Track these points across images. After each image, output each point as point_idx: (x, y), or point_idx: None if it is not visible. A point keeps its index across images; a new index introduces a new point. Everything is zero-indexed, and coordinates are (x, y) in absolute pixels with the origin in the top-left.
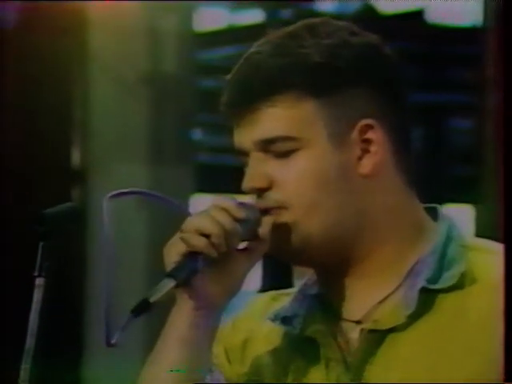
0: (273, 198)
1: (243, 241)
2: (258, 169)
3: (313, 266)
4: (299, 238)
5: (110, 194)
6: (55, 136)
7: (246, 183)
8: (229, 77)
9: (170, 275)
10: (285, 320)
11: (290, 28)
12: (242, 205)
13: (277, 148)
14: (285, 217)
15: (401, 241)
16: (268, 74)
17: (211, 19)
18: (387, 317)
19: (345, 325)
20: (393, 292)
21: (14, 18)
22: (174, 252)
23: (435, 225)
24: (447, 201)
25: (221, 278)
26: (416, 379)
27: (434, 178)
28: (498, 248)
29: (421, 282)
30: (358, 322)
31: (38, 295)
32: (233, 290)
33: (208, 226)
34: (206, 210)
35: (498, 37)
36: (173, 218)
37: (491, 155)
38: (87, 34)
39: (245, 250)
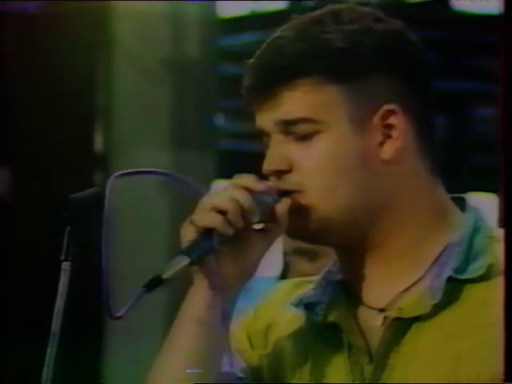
0: (292, 180)
1: (260, 222)
2: (278, 151)
3: (332, 246)
4: (316, 220)
5: (116, 174)
6: (78, 122)
7: (266, 165)
8: (251, 61)
9: (184, 253)
10: (308, 306)
11: (314, 14)
12: (261, 185)
13: (298, 130)
14: (303, 199)
15: (422, 227)
16: (290, 59)
17: (234, 5)
18: (413, 305)
19: (368, 312)
20: (418, 280)
21: (38, 3)
22: (189, 230)
23: (462, 215)
24: (470, 190)
25: (237, 258)
26: (440, 369)
27: (456, 167)
28: None
29: (447, 272)
30: (382, 310)
31: (64, 279)
32: (249, 270)
33: (224, 203)
34: (224, 188)
35: None
36: (194, 200)
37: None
38: (110, 19)
39: (261, 230)
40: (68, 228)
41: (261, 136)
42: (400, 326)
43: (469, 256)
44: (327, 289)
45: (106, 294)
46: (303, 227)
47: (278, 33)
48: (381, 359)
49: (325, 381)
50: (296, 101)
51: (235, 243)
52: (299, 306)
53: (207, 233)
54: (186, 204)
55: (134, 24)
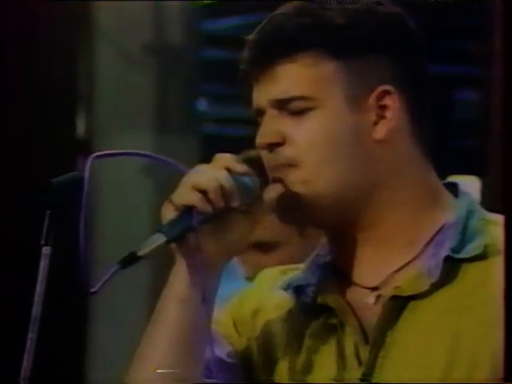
0: (285, 153)
1: (244, 204)
2: (271, 125)
3: (323, 227)
4: (309, 197)
5: (94, 154)
6: (61, 107)
7: (259, 138)
8: (251, 35)
9: (161, 231)
10: (297, 289)
11: None
12: (241, 166)
13: (292, 107)
14: (295, 175)
15: (414, 208)
16: (290, 33)
17: None
18: (410, 284)
19: (359, 291)
20: (412, 260)
21: None
22: (169, 209)
23: (455, 200)
24: (452, 173)
25: (219, 237)
26: (437, 346)
27: (438, 150)
28: None
29: (445, 251)
30: (374, 289)
31: (44, 264)
32: (231, 250)
33: (205, 182)
34: (205, 168)
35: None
36: (175, 180)
37: (497, 127)
38: (93, 5)
39: (245, 211)
40: (48, 212)
41: (245, 121)
42: (396, 304)
43: (464, 237)
44: (316, 271)
45: (83, 270)
46: (296, 205)
47: (279, 10)
48: (378, 337)
49: (318, 362)
50: (293, 76)
51: (217, 222)
52: (288, 290)
53: (187, 211)
54: (167, 186)
55: (117, 9)
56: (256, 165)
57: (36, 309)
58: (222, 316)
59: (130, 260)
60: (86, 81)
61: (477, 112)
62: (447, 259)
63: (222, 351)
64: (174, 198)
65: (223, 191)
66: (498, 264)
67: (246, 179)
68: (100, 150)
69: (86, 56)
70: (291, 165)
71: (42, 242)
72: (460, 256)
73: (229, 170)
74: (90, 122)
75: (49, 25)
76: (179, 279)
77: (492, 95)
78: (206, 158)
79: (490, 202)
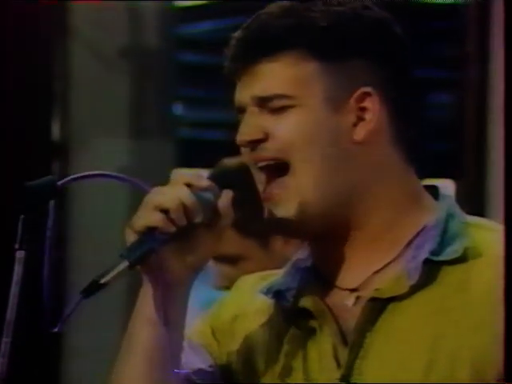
0: (268, 147)
1: (206, 218)
2: (252, 121)
3: (308, 238)
4: (301, 204)
5: (63, 181)
6: (36, 110)
7: (241, 135)
8: (236, 34)
9: (123, 256)
10: (277, 293)
11: None
12: (203, 181)
13: (273, 104)
14: (293, 181)
15: (394, 211)
16: (274, 32)
17: None
18: (389, 286)
19: (339, 293)
20: (391, 262)
21: None
22: (132, 231)
23: (435, 202)
24: (427, 175)
25: (183, 254)
26: (416, 348)
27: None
28: (497, 226)
29: (424, 254)
30: (353, 290)
31: (18, 268)
32: (197, 265)
33: (166, 202)
34: (166, 186)
35: (478, 12)
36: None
37: (470, 130)
38: (67, 8)
39: (207, 225)
40: (22, 216)
41: (221, 125)
42: (376, 306)
43: (444, 239)
44: (296, 275)
45: (47, 307)
46: (284, 221)
47: (265, 9)
48: (356, 339)
49: (297, 366)
50: (274, 75)
51: (180, 240)
52: (268, 294)
53: (149, 232)
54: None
55: (92, 12)
56: (230, 176)
57: (10, 313)
58: (200, 325)
59: (94, 288)
60: (61, 84)
61: (450, 115)
62: (426, 262)
63: (201, 361)
64: (136, 220)
65: (185, 209)
66: (477, 267)
67: (207, 194)
68: (76, 154)
69: (62, 59)
70: (274, 159)
71: (16, 247)
72: (439, 259)
73: (189, 185)
74: (66, 125)
75: (23, 27)
76: (147, 300)
77: (466, 98)
78: (182, 162)
79: (464, 204)
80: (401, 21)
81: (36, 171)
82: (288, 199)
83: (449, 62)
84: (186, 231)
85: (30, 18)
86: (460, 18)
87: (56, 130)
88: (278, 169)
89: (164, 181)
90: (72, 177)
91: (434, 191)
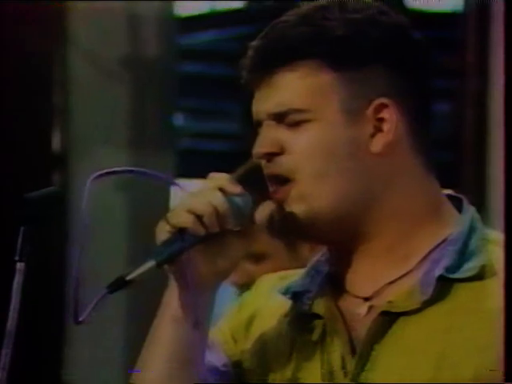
0: (283, 162)
1: (238, 225)
2: (269, 135)
3: (321, 242)
4: (307, 211)
5: (94, 176)
6: (36, 120)
7: (258, 148)
8: (253, 42)
9: (153, 254)
10: (295, 295)
11: (321, 1)
12: (236, 187)
13: (289, 119)
14: (294, 189)
15: (412, 221)
16: (291, 41)
17: (193, 3)
18: (402, 299)
19: (352, 301)
20: (406, 274)
21: None
22: (163, 230)
23: (458, 214)
24: None
25: (211, 258)
26: (421, 363)
27: None
28: None
29: (439, 270)
30: (367, 299)
31: (18, 279)
32: (225, 271)
33: (199, 206)
34: (201, 189)
35: (478, 22)
36: (153, 199)
37: (470, 140)
38: (67, 17)
39: (239, 232)
40: (23, 228)
41: (222, 136)
42: (387, 319)
43: (462, 256)
44: (315, 278)
45: (73, 300)
46: (294, 220)
47: (282, 17)
48: (365, 350)
49: (305, 372)
50: (290, 87)
51: (210, 244)
52: (287, 294)
53: (180, 233)
54: (146, 205)
55: (92, 22)
56: (252, 177)
57: (11, 324)
58: (221, 323)
59: (119, 285)
60: (61, 94)
61: (449, 125)
62: (440, 278)
63: (217, 359)
64: (167, 219)
65: (218, 215)
66: (490, 286)
67: (240, 200)
68: (76, 165)
69: (62, 69)
70: (288, 179)
71: (16, 258)
72: (454, 276)
73: (223, 190)
74: (66, 135)
75: (23, 37)
76: (173, 300)
77: (465, 108)
78: (182, 173)
79: None
80: None
81: (36, 181)
82: (295, 203)
83: (448, 71)
84: (217, 235)
85: (30, 28)
86: (460, 28)
87: (56, 140)
88: (286, 180)
89: (164, 190)
90: (98, 173)
91: (458, 202)
